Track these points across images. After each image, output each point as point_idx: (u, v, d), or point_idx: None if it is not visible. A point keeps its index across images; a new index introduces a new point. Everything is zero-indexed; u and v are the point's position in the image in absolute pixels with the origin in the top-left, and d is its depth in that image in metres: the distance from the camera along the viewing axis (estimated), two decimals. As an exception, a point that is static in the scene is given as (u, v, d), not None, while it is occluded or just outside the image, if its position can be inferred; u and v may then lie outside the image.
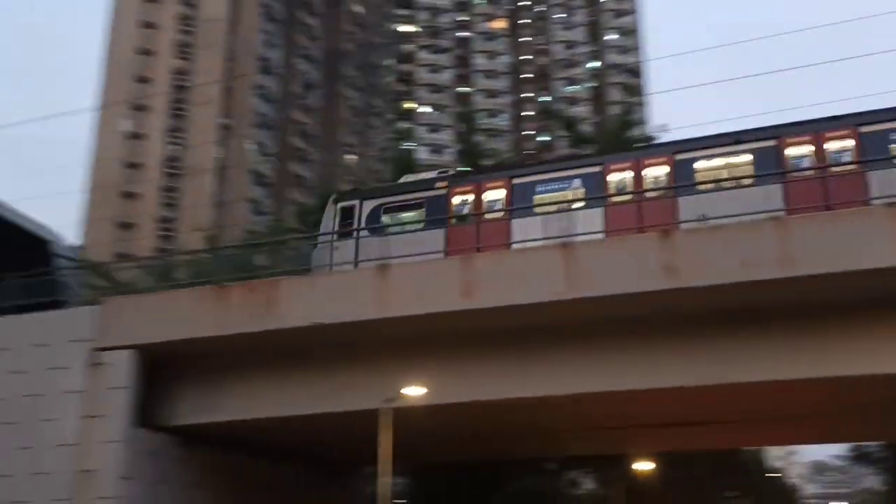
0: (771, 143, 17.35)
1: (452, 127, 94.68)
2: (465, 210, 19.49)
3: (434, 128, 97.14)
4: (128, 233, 67.75)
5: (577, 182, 18.82)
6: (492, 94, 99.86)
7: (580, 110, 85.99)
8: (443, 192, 19.99)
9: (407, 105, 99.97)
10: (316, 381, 18.57)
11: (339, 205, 21.10)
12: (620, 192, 18.23)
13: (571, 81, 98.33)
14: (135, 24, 76.37)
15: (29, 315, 19.72)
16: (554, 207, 18.53)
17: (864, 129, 16.71)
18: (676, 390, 16.80)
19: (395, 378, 17.53)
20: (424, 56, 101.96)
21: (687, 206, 16.67)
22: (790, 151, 17.18)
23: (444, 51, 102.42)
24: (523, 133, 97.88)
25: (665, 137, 33.93)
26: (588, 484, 41.66)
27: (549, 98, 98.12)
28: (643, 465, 30.22)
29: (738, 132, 17.82)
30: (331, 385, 18.43)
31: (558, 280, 15.91)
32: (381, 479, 17.90)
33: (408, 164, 40.15)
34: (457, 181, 20.50)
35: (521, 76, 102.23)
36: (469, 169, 23.60)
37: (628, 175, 18.34)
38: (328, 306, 17.31)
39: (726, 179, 17.34)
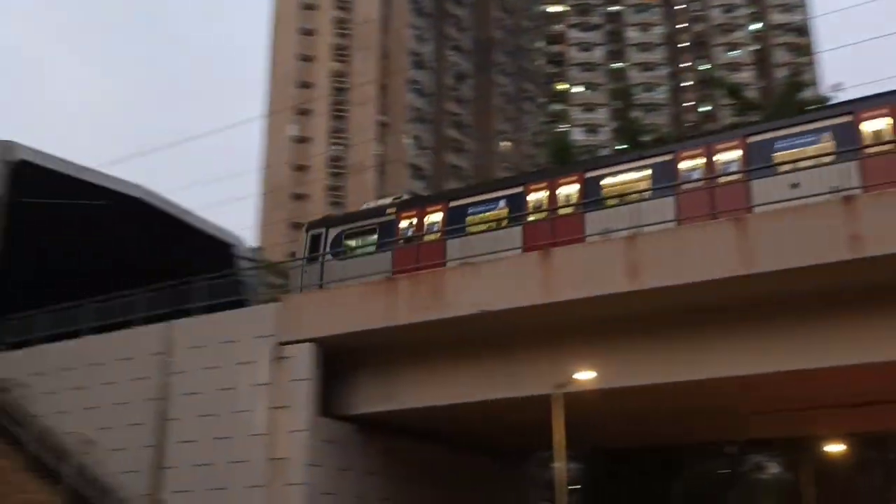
0: (668, 157, 18.39)
1: (607, 105, 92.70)
2: (410, 232, 21.33)
3: (588, 107, 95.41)
4: (300, 232, 71.06)
5: (502, 203, 20.25)
6: (647, 67, 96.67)
7: (744, 76, 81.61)
8: (391, 217, 21.87)
9: (559, 86, 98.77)
10: (486, 367, 18.76)
11: (310, 233, 23.25)
12: (537, 209, 19.66)
13: (732, 47, 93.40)
14: (295, 32, 79.94)
15: (218, 314, 21.17)
16: (483, 227, 20.10)
17: (751, 139, 17.58)
18: (866, 367, 15.69)
19: (564, 362, 17.43)
20: (575, 35, 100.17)
21: (596, 220, 17.73)
22: (683, 165, 18.14)
23: (594, 28, 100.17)
24: (683, 105, 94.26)
25: (840, 97, 31.73)
26: (773, 468, 39.73)
27: (708, 66, 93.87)
28: (833, 447, 28.43)
29: (641, 149, 19.76)
30: (500, 371, 18.57)
31: (730, 255, 15.21)
32: (556, 465, 17.84)
33: (563, 146, 39.62)
34: (403, 207, 22.32)
35: (678, 46, 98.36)
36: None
37: (544, 194, 19.65)
38: (493, 294, 17.43)
39: (629, 193, 18.35)
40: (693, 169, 18.06)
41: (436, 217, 21.17)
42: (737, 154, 17.66)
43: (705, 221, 16.37)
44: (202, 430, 19.96)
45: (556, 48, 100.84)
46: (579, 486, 36.86)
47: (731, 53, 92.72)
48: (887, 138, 15.94)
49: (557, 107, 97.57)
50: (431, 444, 22.74)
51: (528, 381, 18.19)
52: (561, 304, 16.82)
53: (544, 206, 19.58)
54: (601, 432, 24.52)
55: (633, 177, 18.65)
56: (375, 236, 21.80)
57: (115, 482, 20.18)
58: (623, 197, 18.14)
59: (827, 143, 16.53)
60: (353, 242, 22.31)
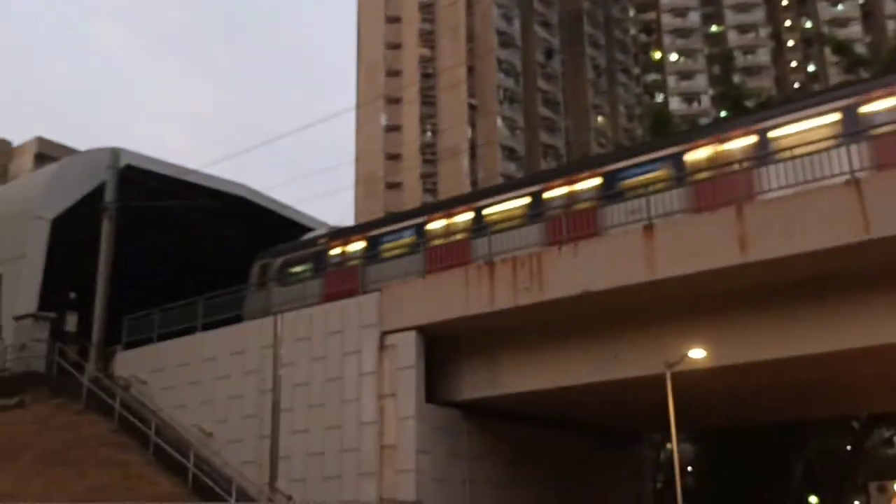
0: (538, 188, 21.16)
1: (705, 72, 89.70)
2: (337, 260, 24.11)
3: (685, 75, 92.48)
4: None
5: (408, 232, 22.90)
6: (746, 29, 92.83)
7: (851, 31, 77.36)
8: (323, 247, 24.67)
9: (654, 55, 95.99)
10: (590, 349, 18.45)
11: (259, 263, 25.98)
12: (436, 237, 22.29)
13: (836, 1, 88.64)
14: (380, 21, 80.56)
15: (322, 306, 21.53)
16: (395, 253, 22.62)
17: (606, 168, 20.22)
18: None
19: (672, 341, 17.00)
20: (667, 0, 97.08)
21: (483, 244, 19.76)
22: (548, 194, 20.72)
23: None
24: (790, 66, 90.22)
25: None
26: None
27: (809, 25, 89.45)
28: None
29: (519, 180, 23.17)
30: (605, 352, 18.23)
31: (850, 221, 14.34)
32: (670, 446, 17.36)
33: (662, 117, 38.45)
34: (332, 238, 25.18)
35: (780, 4, 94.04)
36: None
37: (442, 223, 22.46)
38: (594, 273, 17.06)
39: (512, 219, 20.78)
40: (559, 198, 20.64)
41: (358, 245, 23.95)
42: (595, 182, 20.05)
43: (818, 187, 15.47)
44: (313, 420, 20.36)
45: (647, 16, 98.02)
46: (691, 468, 35.99)
47: (836, 8, 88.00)
48: (709, 165, 18.23)
49: (653, 77, 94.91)
50: (539, 426, 22.56)
51: (635, 362, 17.80)
52: (666, 281, 16.30)
53: (440, 234, 22.38)
54: (714, 412, 23.81)
55: (513, 205, 21.38)
56: (310, 264, 24.62)
57: (235, 473, 20.83)
58: (507, 222, 20.75)
59: (664, 171, 18.96)
60: (293, 270, 25.11)
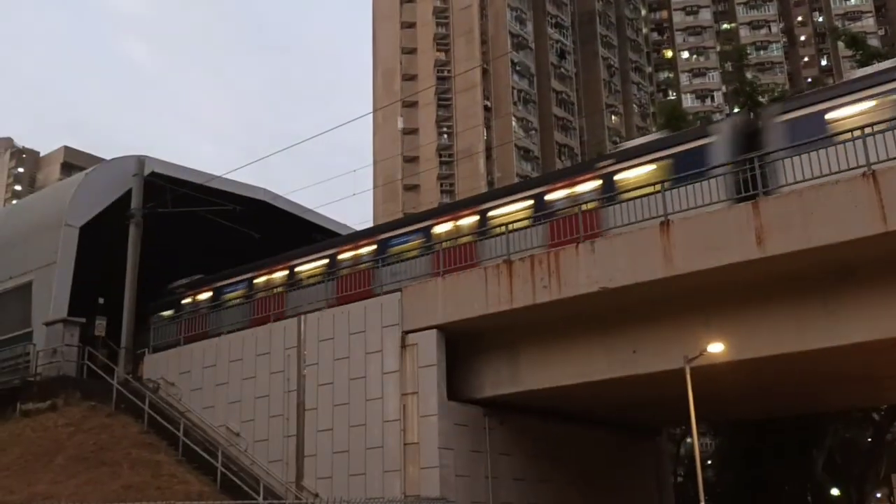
0: (333, 251, 25.50)
1: (718, 69, 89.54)
2: (190, 307, 28.42)
3: (698, 73, 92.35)
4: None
5: (243, 284, 27.35)
6: (758, 25, 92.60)
7: (864, 25, 77.01)
8: (180, 296, 29.35)
9: (666, 54, 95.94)
10: (610, 345, 18.64)
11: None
12: (260, 290, 26.44)
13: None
14: (395, 26, 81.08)
15: (344, 306, 21.89)
16: (234, 302, 26.73)
17: (380, 237, 24.61)
18: None
19: (690, 335, 17.14)
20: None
21: (295, 296, 24.24)
22: (340, 256, 25.13)
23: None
24: (803, 61, 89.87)
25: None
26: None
27: (821, 19, 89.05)
28: None
29: (325, 243, 27.33)
30: (624, 348, 18.40)
31: (868, 212, 14.48)
32: (690, 440, 17.58)
33: (675, 114, 38.56)
34: (189, 288, 29.50)
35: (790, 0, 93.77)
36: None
37: (266, 278, 26.98)
38: (611, 270, 17.29)
39: (317, 275, 24.89)
40: (347, 259, 24.83)
41: (207, 295, 28.35)
42: (372, 248, 24.28)
43: (839, 179, 15.58)
44: (338, 418, 20.67)
45: (660, 14, 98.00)
46: (710, 462, 36.06)
47: (848, 2, 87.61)
48: (444, 239, 22.41)
49: (665, 75, 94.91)
50: (561, 422, 22.80)
51: (654, 357, 17.96)
52: (684, 276, 16.49)
53: (264, 285, 26.61)
54: (734, 405, 23.95)
55: (318, 265, 25.44)
56: (172, 310, 28.60)
57: (262, 471, 21.23)
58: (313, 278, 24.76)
59: (419, 240, 23.21)
60: (162, 314, 28.85)
